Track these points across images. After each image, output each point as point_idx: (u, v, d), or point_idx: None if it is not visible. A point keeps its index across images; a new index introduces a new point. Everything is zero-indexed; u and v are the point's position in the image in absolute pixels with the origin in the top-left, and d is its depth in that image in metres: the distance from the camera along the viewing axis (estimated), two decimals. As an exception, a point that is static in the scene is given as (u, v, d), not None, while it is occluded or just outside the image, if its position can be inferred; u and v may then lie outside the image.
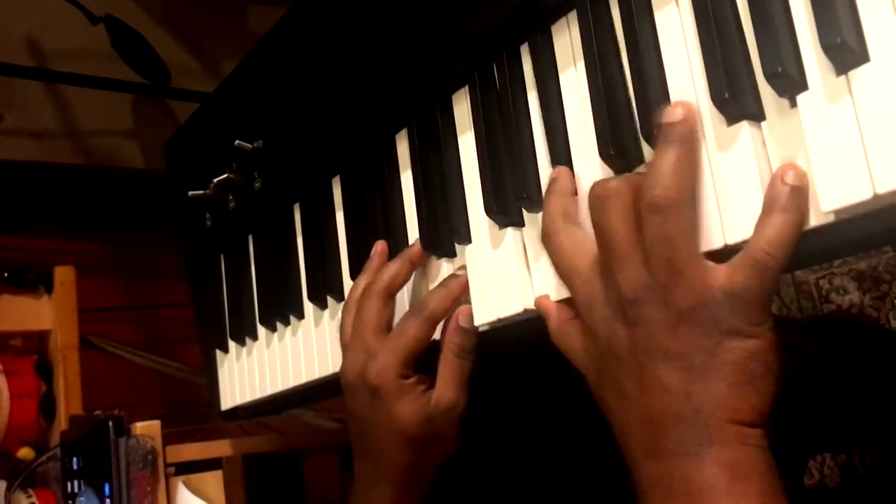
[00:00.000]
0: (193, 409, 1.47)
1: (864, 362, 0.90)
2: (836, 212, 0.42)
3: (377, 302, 0.66)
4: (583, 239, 0.51)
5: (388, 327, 0.66)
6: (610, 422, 0.51)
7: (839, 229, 0.43)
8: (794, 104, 0.43)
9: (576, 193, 0.53)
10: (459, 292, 0.63)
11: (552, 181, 0.54)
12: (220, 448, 1.04)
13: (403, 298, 0.69)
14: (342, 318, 0.70)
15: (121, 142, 1.65)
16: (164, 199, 1.62)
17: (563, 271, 0.52)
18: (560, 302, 0.54)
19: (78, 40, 1.55)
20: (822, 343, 0.90)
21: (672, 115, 0.46)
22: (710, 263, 0.45)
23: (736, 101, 0.45)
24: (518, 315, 0.58)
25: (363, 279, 0.68)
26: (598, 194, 0.48)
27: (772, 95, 0.44)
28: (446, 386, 0.63)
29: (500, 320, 0.59)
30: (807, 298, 1.19)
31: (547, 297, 0.55)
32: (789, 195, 0.42)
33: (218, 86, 0.92)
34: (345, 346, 0.68)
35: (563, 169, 0.54)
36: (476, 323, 0.61)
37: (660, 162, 0.46)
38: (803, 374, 0.87)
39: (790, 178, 0.43)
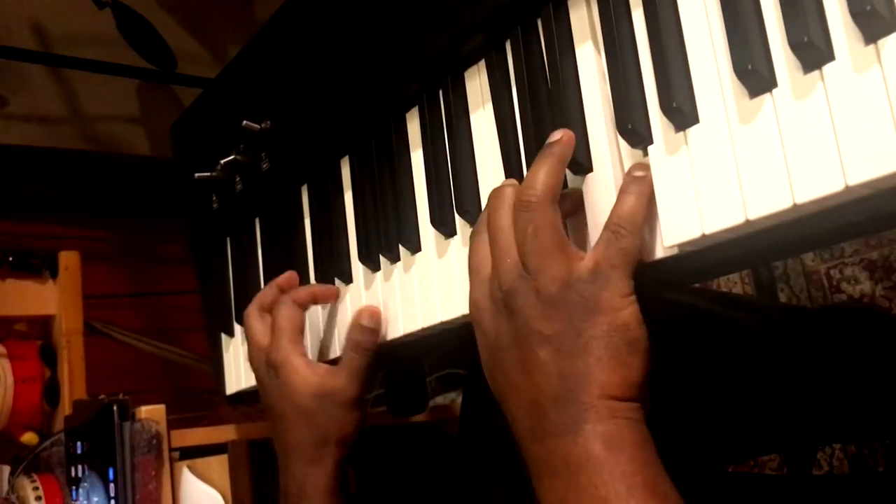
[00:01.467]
0: (198, 395, 1.46)
1: (876, 351, 0.89)
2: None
3: (258, 317, 0.77)
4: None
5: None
6: (506, 414, 0.53)
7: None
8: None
9: None
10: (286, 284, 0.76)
11: (498, 187, 0.55)
12: (224, 433, 1.03)
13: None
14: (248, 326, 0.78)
15: (126, 128, 1.64)
16: (170, 185, 1.62)
17: (469, 271, 0.55)
18: None
19: (84, 25, 1.54)
20: (835, 332, 0.89)
21: (554, 135, 0.52)
22: (576, 250, 0.50)
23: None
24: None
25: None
26: (491, 196, 0.54)
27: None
28: (339, 374, 0.70)
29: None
30: (817, 289, 1.18)
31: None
32: (633, 182, 0.49)
33: (225, 66, 0.91)
34: (252, 366, 0.78)
35: (511, 182, 0.55)
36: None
37: (534, 169, 0.51)
38: (813, 363, 0.86)
39: (638, 171, 0.49)
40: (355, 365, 0.70)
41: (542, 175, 0.51)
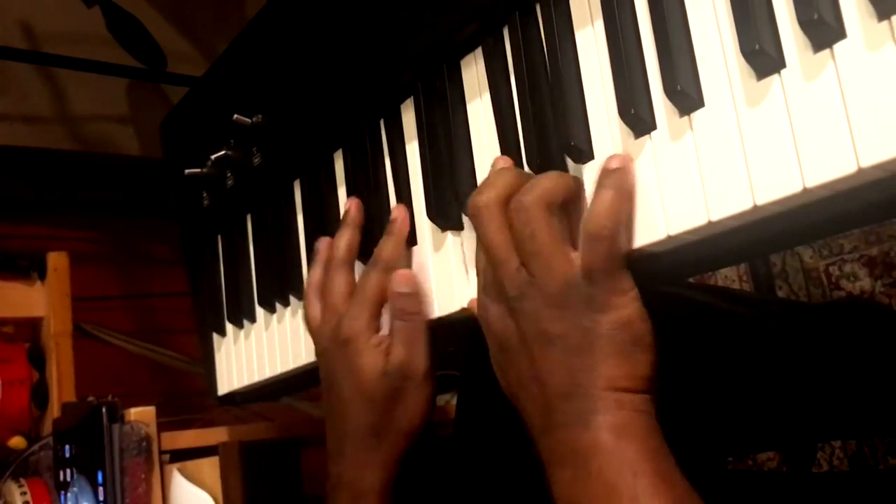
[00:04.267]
0: (188, 398, 1.45)
1: (876, 347, 0.88)
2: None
3: (339, 272, 0.69)
4: None
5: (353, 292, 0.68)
6: (519, 412, 0.54)
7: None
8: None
9: None
10: (404, 230, 0.66)
11: (482, 207, 0.54)
12: (215, 435, 1.01)
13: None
14: (306, 310, 0.72)
15: (116, 128, 1.63)
16: (160, 185, 1.60)
17: (477, 275, 0.57)
18: None
19: (73, 24, 1.52)
20: (836, 327, 0.88)
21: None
22: (573, 251, 0.50)
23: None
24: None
25: (318, 266, 0.72)
26: (473, 212, 0.54)
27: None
28: (397, 346, 0.65)
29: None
30: (816, 286, 1.17)
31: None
32: (609, 176, 0.49)
33: (215, 61, 0.89)
34: (314, 330, 0.71)
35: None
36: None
37: (527, 185, 0.51)
38: (813, 359, 0.85)
39: (614, 163, 0.49)
40: (406, 333, 0.64)
41: (545, 182, 0.51)
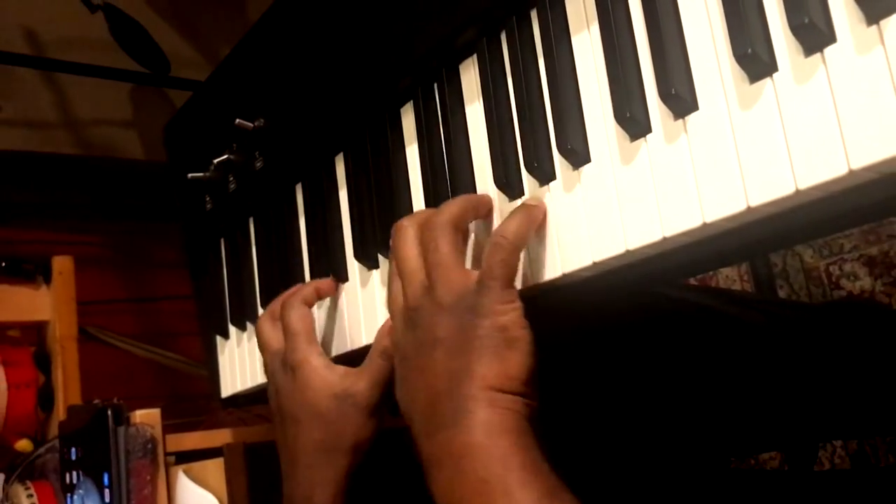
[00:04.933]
0: (193, 400, 1.45)
1: (877, 347, 0.88)
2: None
3: (268, 323, 0.75)
4: None
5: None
6: (408, 424, 0.57)
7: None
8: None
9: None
10: (323, 290, 0.74)
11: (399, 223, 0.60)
12: (220, 437, 1.02)
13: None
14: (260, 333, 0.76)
15: (119, 132, 1.64)
16: (164, 189, 1.61)
17: (389, 311, 0.61)
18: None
19: (76, 29, 1.53)
20: (837, 327, 0.88)
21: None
22: (469, 269, 0.55)
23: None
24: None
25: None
26: (394, 231, 0.59)
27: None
28: (361, 376, 0.68)
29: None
30: (816, 285, 1.17)
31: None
32: (524, 205, 0.55)
33: (217, 66, 0.90)
34: (266, 373, 0.75)
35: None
36: None
37: (448, 202, 0.58)
38: (814, 359, 0.85)
39: (532, 202, 0.55)
40: (380, 371, 0.67)
41: (452, 205, 0.57)
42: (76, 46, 1.53)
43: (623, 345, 0.81)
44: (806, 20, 0.41)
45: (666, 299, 0.83)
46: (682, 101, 0.47)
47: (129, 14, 1.48)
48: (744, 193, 0.44)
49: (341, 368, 0.70)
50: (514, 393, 0.52)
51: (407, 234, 0.58)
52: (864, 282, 1.13)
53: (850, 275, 1.15)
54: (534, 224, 0.54)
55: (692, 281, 1.12)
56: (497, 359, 0.52)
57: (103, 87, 1.58)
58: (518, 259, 0.54)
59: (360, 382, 0.68)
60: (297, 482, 0.70)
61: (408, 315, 0.57)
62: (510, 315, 0.52)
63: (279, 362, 0.72)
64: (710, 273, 1.24)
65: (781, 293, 1.19)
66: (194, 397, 1.50)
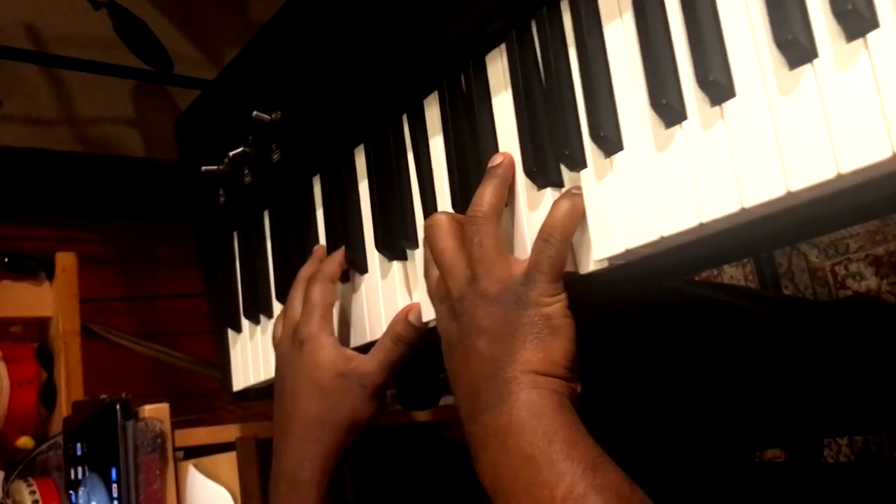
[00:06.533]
0: (194, 398, 1.45)
1: (885, 343, 0.89)
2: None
3: (298, 292, 0.76)
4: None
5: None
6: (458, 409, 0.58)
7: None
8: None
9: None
10: (335, 267, 0.75)
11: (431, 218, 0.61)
12: (228, 432, 1.01)
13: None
14: (273, 331, 0.79)
15: (121, 130, 1.63)
16: (166, 187, 1.60)
17: (430, 299, 0.63)
18: None
19: (78, 26, 1.53)
20: (848, 323, 0.89)
21: (495, 159, 0.60)
22: (515, 258, 0.57)
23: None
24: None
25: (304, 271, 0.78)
26: (428, 226, 0.61)
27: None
28: (371, 358, 0.70)
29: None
30: (822, 285, 1.18)
31: None
32: (567, 195, 0.55)
33: (232, 59, 0.90)
34: (275, 342, 0.78)
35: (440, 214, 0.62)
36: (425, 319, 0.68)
37: (481, 190, 0.58)
38: (822, 355, 0.86)
39: (573, 190, 0.56)
40: (391, 355, 0.70)
41: (488, 195, 0.58)
42: (78, 43, 1.53)
43: (635, 337, 0.82)
44: (850, 6, 0.41)
45: (678, 293, 0.84)
46: (719, 87, 0.47)
47: (132, 12, 1.47)
48: (784, 178, 0.44)
49: (349, 350, 0.72)
50: (556, 376, 0.54)
51: (443, 227, 0.60)
52: (870, 281, 1.14)
53: (856, 274, 1.16)
54: (579, 215, 0.55)
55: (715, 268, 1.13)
56: (541, 345, 0.54)
57: (105, 85, 1.57)
58: (566, 253, 0.55)
59: (368, 363, 0.70)
60: (286, 455, 0.71)
61: (451, 305, 0.58)
62: (555, 306, 0.54)
63: (290, 331, 0.74)
64: (715, 272, 1.24)
65: (786, 293, 1.20)
66: (195, 395, 1.49)
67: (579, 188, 0.56)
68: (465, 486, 0.86)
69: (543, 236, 0.55)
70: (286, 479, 0.71)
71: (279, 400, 0.74)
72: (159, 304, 1.66)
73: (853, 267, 1.16)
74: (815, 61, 0.44)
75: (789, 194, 0.44)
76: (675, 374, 0.81)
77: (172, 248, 1.67)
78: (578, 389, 0.55)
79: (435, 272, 0.61)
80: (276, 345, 0.77)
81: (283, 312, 0.77)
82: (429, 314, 0.68)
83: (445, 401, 1.41)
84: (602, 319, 0.77)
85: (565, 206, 0.55)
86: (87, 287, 1.32)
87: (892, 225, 1.10)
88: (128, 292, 1.63)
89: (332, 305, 0.74)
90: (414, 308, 0.69)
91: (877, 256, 1.13)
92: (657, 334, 0.82)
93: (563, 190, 0.57)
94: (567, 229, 0.54)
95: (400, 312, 0.70)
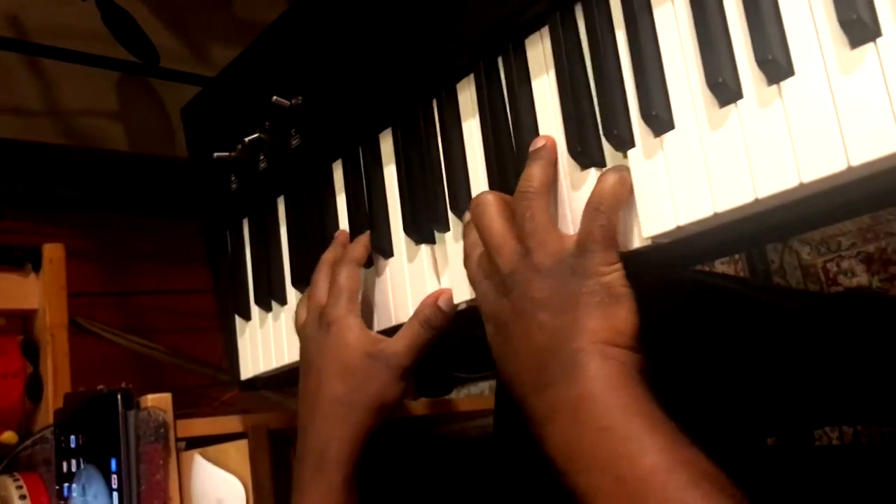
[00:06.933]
0: (178, 394, 1.43)
1: (884, 336, 0.91)
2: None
3: (323, 275, 0.76)
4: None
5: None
6: (509, 388, 0.58)
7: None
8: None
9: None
10: (362, 252, 0.75)
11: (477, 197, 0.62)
12: (230, 423, 1.01)
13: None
14: (296, 313, 0.80)
15: (105, 123, 1.61)
16: (149, 182, 1.58)
17: (470, 280, 0.63)
18: None
19: (65, 17, 1.51)
20: (849, 314, 0.91)
21: (537, 142, 0.60)
22: (564, 233, 0.57)
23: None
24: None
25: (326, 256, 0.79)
26: (476, 205, 0.61)
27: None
28: (399, 340, 0.71)
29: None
30: (813, 282, 1.21)
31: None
32: (614, 168, 0.56)
33: (249, 44, 0.89)
34: (300, 326, 0.78)
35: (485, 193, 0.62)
36: (456, 301, 0.68)
37: (529, 169, 0.59)
38: (823, 346, 0.87)
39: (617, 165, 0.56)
40: (419, 338, 0.70)
41: (537, 172, 0.58)
42: (63, 35, 1.50)
43: (649, 322, 0.83)
44: (854, 16, 0.43)
45: (692, 281, 0.85)
46: (778, 66, 0.49)
47: (118, 4, 1.46)
48: (844, 153, 0.46)
49: (376, 334, 0.73)
50: (625, 347, 0.53)
51: (492, 204, 0.60)
52: (862, 278, 1.17)
53: (848, 271, 1.19)
54: (627, 186, 0.55)
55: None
56: (605, 314, 0.53)
57: (89, 77, 1.55)
58: (617, 220, 0.55)
59: (396, 345, 0.71)
60: (312, 434, 0.71)
61: (500, 282, 0.58)
62: (613, 274, 0.54)
63: (317, 313, 0.74)
64: (707, 268, 1.26)
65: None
66: (178, 390, 1.47)
67: (623, 166, 0.56)
68: (456, 480, 0.87)
69: (593, 205, 0.55)
70: (313, 457, 0.70)
71: (305, 381, 0.74)
72: (141, 299, 1.63)
73: (845, 264, 1.19)
74: (879, 41, 0.45)
75: (850, 169, 0.46)
76: (690, 360, 0.82)
77: (155, 243, 1.66)
78: (644, 359, 0.54)
79: (478, 251, 0.61)
80: (301, 328, 0.77)
81: (308, 296, 0.77)
82: (461, 296, 0.68)
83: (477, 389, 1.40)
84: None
85: (613, 177, 0.55)
86: (69, 281, 1.29)
87: (883, 223, 1.13)
88: (109, 287, 1.61)
89: (358, 289, 0.74)
90: (444, 293, 0.69)
91: (868, 254, 1.16)
92: (671, 320, 0.82)
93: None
94: (616, 198, 0.55)
95: (429, 297, 0.70)
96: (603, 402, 0.51)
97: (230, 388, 1.47)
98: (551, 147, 0.60)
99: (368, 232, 0.76)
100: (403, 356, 0.70)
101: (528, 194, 0.58)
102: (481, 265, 0.61)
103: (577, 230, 0.57)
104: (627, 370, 0.52)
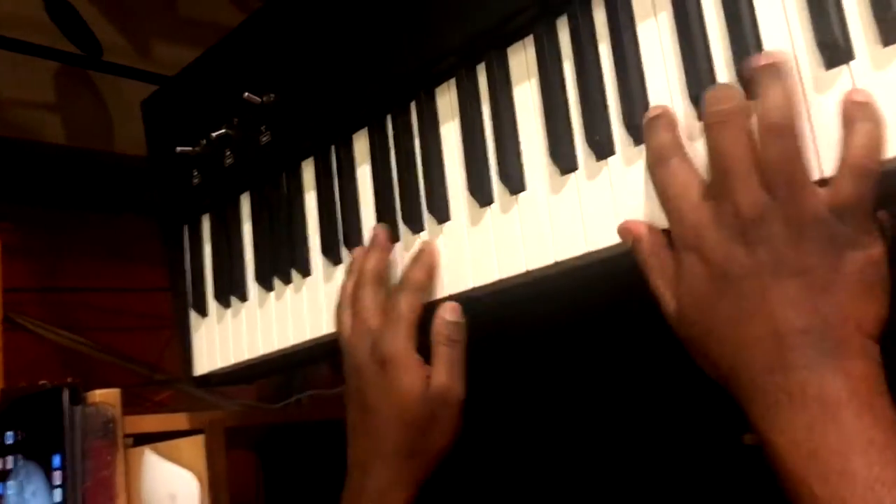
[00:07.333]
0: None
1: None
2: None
3: (368, 287, 0.71)
4: (691, 166, 0.53)
5: (385, 310, 0.70)
6: (699, 344, 0.52)
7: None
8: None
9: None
10: (432, 260, 0.69)
11: (656, 116, 0.54)
12: (177, 420, 1.00)
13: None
14: (338, 315, 0.74)
15: (42, 115, 1.57)
16: (86, 177, 1.55)
17: (671, 197, 0.53)
18: (650, 227, 0.55)
19: (4, 5, 1.47)
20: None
21: (771, 57, 0.50)
22: (816, 186, 0.48)
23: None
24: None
25: (351, 276, 0.73)
26: (717, 117, 0.50)
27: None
28: (440, 371, 0.67)
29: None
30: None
31: (636, 221, 0.56)
32: (865, 109, 0.47)
33: (220, 40, 0.89)
34: (346, 339, 0.72)
35: (664, 106, 0.55)
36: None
37: (772, 93, 0.49)
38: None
39: (860, 97, 0.47)
40: (450, 358, 0.67)
41: (782, 98, 0.49)
42: (4, 23, 1.46)
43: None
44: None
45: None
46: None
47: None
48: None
49: (421, 364, 0.68)
50: (875, 341, 0.47)
51: (737, 126, 0.50)
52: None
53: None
54: (881, 129, 0.47)
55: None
56: (873, 300, 0.47)
57: (26, 68, 1.51)
58: (874, 182, 0.47)
59: (440, 377, 0.67)
60: (373, 474, 0.68)
61: (734, 223, 0.49)
62: (879, 248, 0.47)
63: (370, 342, 0.69)
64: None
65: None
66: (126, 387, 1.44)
67: (861, 91, 0.48)
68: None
69: (858, 164, 0.47)
70: (372, 498, 0.68)
71: (361, 415, 0.70)
72: (73, 296, 1.59)
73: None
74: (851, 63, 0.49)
75: (822, 179, 0.49)
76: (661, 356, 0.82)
77: (86, 240, 1.62)
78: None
79: (675, 159, 0.53)
80: (347, 341, 0.72)
81: (352, 308, 0.72)
82: (455, 288, 0.68)
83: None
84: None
85: (866, 123, 0.47)
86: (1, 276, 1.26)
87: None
88: (40, 283, 1.56)
89: (419, 319, 0.68)
90: (446, 307, 0.68)
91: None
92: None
93: None
94: (875, 152, 0.47)
95: (437, 318, 0.67)
96: (869, 410, 0.45)
97: (165, 387, 1.45)
98: (788, 61, 0.50)
99: (433, 251, 0.70)
100: (452, 386, 0.67)
101: (782, 130, 0.48)
102: (689, 183, 0.52)
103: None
104: (880, 374, 0.46)
